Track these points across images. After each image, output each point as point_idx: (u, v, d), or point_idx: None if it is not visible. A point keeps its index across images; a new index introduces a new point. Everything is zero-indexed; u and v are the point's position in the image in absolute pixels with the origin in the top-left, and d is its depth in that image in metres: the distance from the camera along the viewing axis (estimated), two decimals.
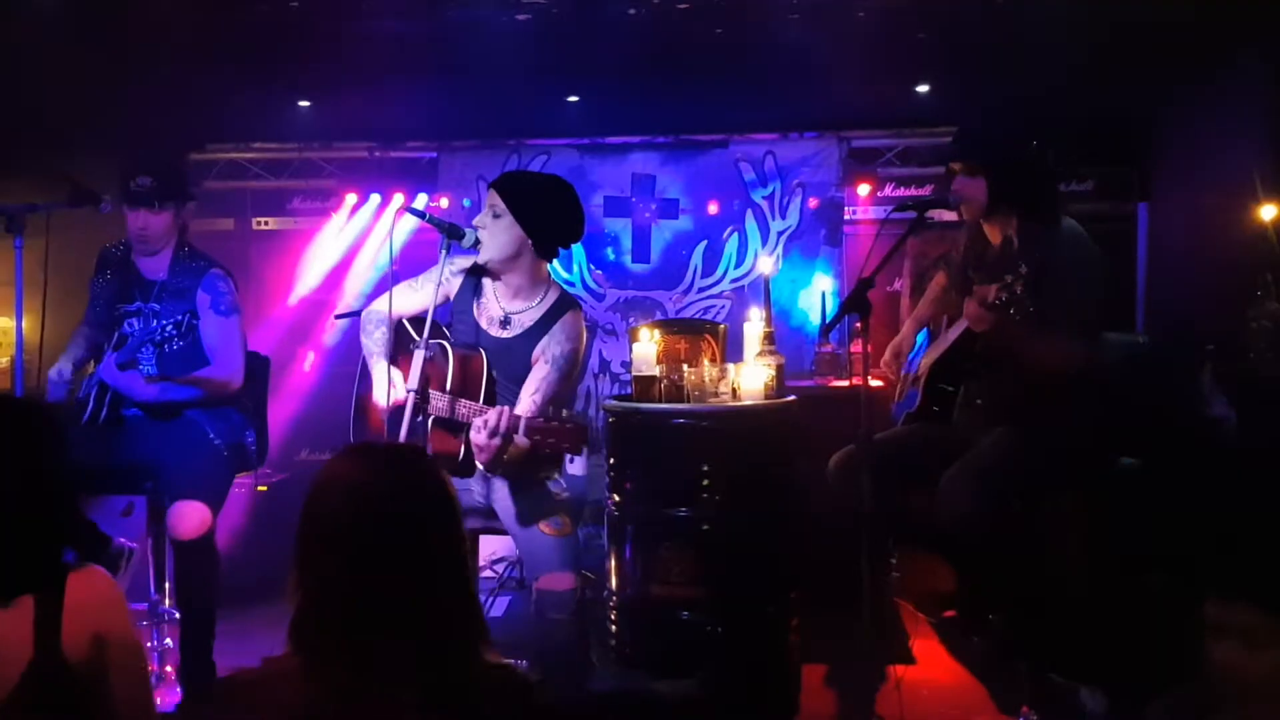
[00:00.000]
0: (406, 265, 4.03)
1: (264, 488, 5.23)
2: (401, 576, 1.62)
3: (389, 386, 3.28)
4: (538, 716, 1.69)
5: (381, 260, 6.53)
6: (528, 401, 3.26)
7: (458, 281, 3.49)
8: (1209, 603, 1.69)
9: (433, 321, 3.21)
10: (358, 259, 6.64)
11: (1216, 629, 1.68)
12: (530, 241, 3.35)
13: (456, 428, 3.28)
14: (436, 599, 1.63)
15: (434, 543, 1.66)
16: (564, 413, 3.07)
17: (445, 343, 3.34)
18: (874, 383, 3.97)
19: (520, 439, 3.04)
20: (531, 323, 3.41)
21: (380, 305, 3.51)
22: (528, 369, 3.34)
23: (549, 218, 3.39)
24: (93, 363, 3.80)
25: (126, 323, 3.75)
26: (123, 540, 3.58)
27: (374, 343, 3.47)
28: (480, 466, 3.17)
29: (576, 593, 3.30)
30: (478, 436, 3.06)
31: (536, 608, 3.29)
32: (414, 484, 1.69)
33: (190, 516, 3.49)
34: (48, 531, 1.94)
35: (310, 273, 6.66)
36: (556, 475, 3.50)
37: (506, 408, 3.10)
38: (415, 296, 3.49)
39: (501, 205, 3.34)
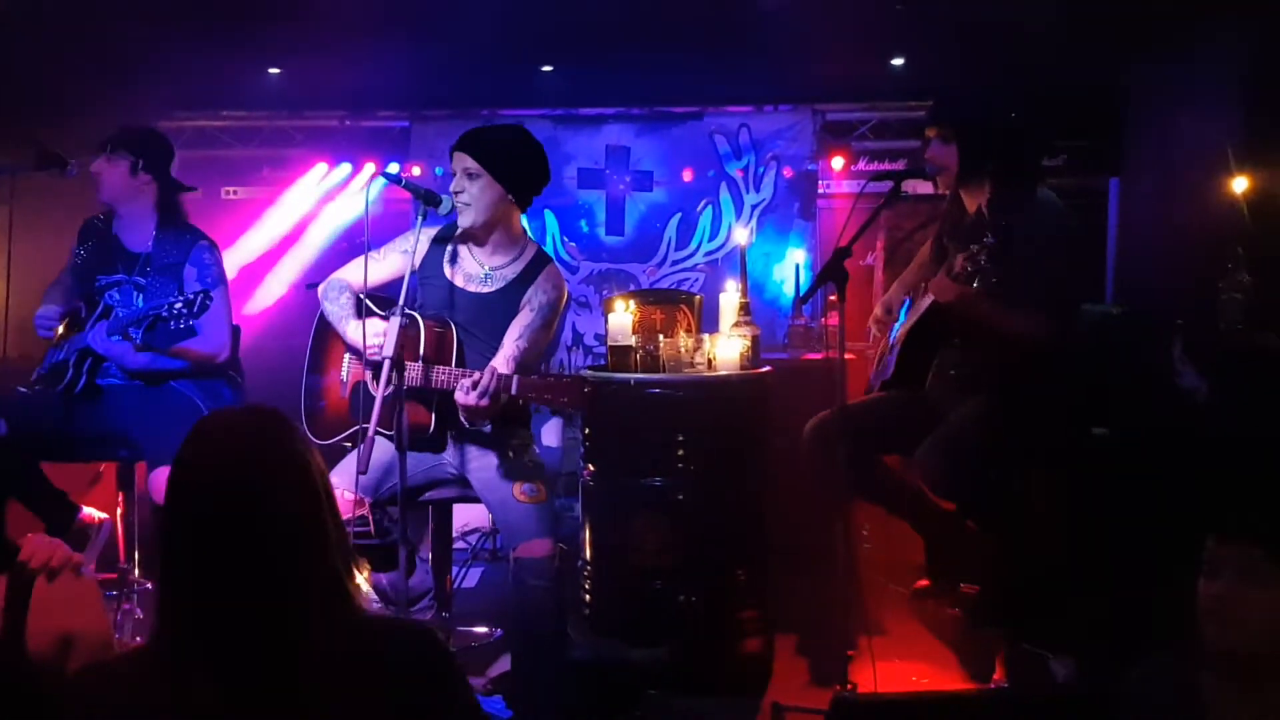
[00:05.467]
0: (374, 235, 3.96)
1: None
2: (258, 550, 1.55)
3: (378, 336, 3.19)
4: (437, 660, 1.67)
5: (340, 224, 6.52)
6: (511, 347, 3.24)
7: (425, 248, 3.45)
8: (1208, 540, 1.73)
9: (405, 292, 3.16)
10: (321, 226, 6.58)
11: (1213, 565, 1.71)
12: (510, 196, 3.34)
13: (428, 400, 3.25)
14: (297, 568, 1.57)
15: (288, 509, 1.58)
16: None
17: (415, 313, 3.30)
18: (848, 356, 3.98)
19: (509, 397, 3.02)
20: (515, 275, 3.40)
21: (343, 274, 3.49)
22: (508, 323, 3.32)
23: (523, 168, 3.38)
24: (65, 324, 3.73)
25: (108, 294, 3.69)
26: (91, 511, 3.55)
27: (340, 307, 3.43)
28: (465, 423, 3.15)
29: (554, 559, 3.27)
30: (466, 397, 3.03)
31: (515, 576, 3.26)
32: (262, 449, 1.60)
33: None
34: None
35: (273, 237, 6.56)
36: (528, 439, 3.48)
37: (493, 367, 3.07)
38: (379, 267, 3.44)
39: (475, 165, 3.31)
